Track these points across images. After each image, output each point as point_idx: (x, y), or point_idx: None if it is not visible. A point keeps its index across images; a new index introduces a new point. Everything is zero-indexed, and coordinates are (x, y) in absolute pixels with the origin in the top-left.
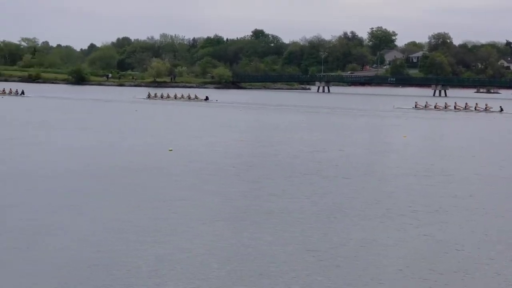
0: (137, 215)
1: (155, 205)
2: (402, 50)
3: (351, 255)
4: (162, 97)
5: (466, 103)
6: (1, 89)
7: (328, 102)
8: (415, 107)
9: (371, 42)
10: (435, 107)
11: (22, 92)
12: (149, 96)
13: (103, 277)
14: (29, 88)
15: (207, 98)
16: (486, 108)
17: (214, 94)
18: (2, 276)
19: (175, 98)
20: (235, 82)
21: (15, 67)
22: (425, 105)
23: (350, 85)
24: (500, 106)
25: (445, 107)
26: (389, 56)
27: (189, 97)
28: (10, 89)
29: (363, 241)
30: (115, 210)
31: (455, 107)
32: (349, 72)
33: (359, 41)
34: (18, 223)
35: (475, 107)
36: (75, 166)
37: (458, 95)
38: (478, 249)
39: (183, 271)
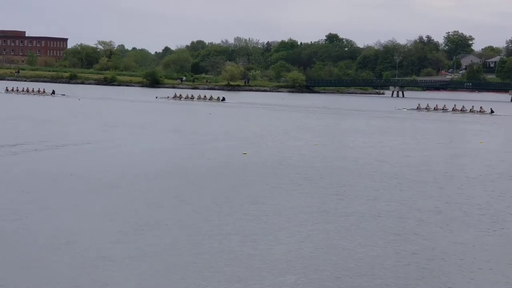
0: (224, 216)
1: (240, 208)
2: (479, 55)
3: (449, 260)
4: (186, 98)
5: (462, 106)
6: (31, 89)
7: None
8: (417, 108)
9: (447, 47)
10: (434, 108)
11: (53, 92)
12: (174, 96)
13: (200, 276)
14: (105, 90)
15: (223, 99)
16: (480, 110)
17: (288, 98)
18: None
19: (198, 98)
20: (308, 86)
21: (91, 70)
22: (426, 107)
23: (425, 90)
24: (491, 108)
25: (443, 109)
26: (465, 61)
27: (210, 98)
28: (42, 89)
29: (458, 245)
30: (202, 212)
31: (453, 109)
32: (424, 77)
33: (435, 45)
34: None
35: (470, 110)
36: (155, 167)
37: None
38: None
39: (275, 271)
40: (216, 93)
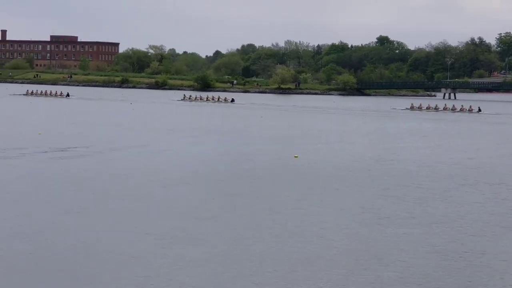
0: (275, 219)
1: (292, 212)
2: None
3: None
4: (195, 99)
5: (453, 105)
6: (49, 92)
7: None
8: (410, 108)
9: (499, 48)
10: (426, 108)
11: (68, 95)
12: (184, 98)
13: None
14: (155, 94)
15: (233, 100)
16: (469, 109)
17: (339, 100)
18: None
19: (206, 99)
20: (359, 89)
21: (142, 74)
22: (419, 106)
23: (477, 92)
24: (478, 107)
25: (435, 108)
26: None
27: (218, 99)
28: (56, 91)
29: None
30: (253, 214)
31: (444, 108)
32: (476, 78)
33: (487, 47)
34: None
35: (460, 109)
36: (206, 169)
37: None
38: None
39: (332, 273)
40: (268, 96)
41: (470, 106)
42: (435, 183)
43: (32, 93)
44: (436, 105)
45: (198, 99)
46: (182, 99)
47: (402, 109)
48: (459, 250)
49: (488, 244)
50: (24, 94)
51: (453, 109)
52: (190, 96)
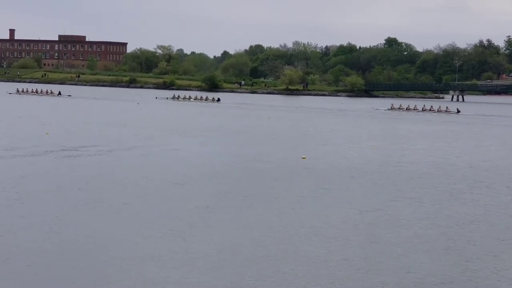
0: (286, 217)
1: (299, 213)
2: None
3: None
4: (184, 98)
5: (431, 106)
6: (40, 90)
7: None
8: (391, 108)
9: (508, 50)
10: (406, 108)
11: (59, 93)
12: (173, 97)
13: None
14: (160, 93)
15: (218, 100)
16: (446, 110)
17: (346, 102)
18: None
19: (195, 99)
20: (367, 91)
21: (150, 74)
22: (399, 107)
23: (485, 94)
24: (457, 108)
25: (414, 109)
26: None
27: (205, 98)
28: (49, 90)
29: None
30: (260, 214)
31: (422, 109)
32: (485, 81)
33: (496, 49)
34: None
35: (437, 109)
36: (214, 169)
37: None
38: None
39: (335, 273)
40: (276, 97)
41: (447, 107)
42: (447, 184)
43: (23, 91)
44: (416, 106)
45: (186, 99)
46: (171, 98)
47: (384, 110)
48: (476, 253)
49: (506, 246)
50: (15, 93)
51: (431, 110)
52: (179, 96)
